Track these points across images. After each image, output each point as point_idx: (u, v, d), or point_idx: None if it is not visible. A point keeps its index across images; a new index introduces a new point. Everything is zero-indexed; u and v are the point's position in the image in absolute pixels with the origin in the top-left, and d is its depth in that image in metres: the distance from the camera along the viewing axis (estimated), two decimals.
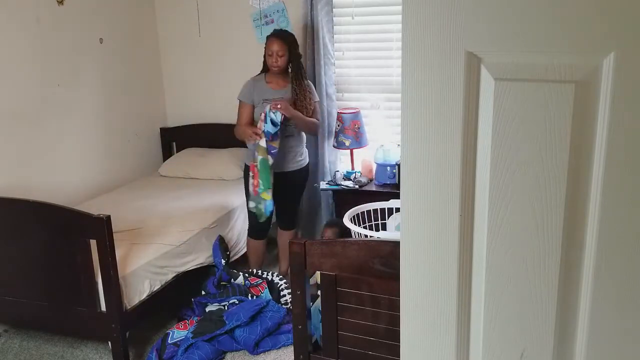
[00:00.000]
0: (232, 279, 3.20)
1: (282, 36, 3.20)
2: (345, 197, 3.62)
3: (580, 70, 0.79)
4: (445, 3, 0.83)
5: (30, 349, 2.96)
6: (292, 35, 3.25)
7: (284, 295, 3.14)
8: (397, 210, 2.66)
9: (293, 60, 3.20)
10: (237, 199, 3.64)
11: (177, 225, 3.20)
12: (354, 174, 3.73)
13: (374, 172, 3.74)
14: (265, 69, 3.30)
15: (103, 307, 2.63)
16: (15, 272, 2.78)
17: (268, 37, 3.22)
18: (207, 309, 3.06)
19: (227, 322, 2.82)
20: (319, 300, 2.21)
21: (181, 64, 4.35)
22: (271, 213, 3.15)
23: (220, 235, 3.35)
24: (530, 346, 0.92)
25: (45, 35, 3.38)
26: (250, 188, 3.10)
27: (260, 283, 3.22)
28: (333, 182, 3.74)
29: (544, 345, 0.91)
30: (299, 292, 2.14)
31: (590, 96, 0.79)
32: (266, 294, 3.16)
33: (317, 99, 3.34)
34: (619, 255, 0.82)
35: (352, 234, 2.53)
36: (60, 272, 2.67)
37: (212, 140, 4.27)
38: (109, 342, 2.73)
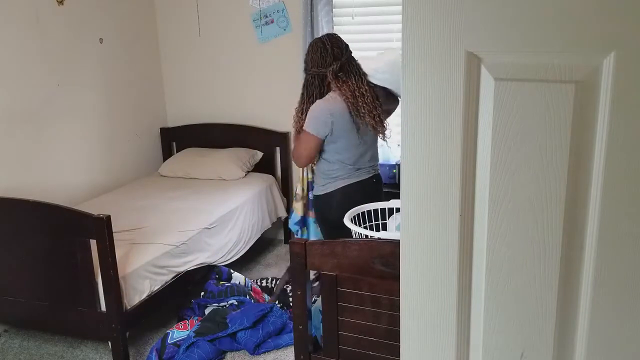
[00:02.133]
0: (231, 276, 3.25)
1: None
2: None
3: (580, 70, 0.79)
4: (445, 3, 0.83)
5: (30, 349, 2.96)
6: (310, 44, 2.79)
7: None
8: (398, 210, 2.66)
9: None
10: (237, 199, 3.64)
11: (177, 225, 3.20)
12: None
13: None
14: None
15: (103, 307, 2.64)
16: (15, 272, 2.78)
17: None
18: (207, 310, 3.06)
19: (229, 325, 2.82)
20: (319, 300, 2.21)
21: (181, 64, 4.35)
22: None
23: None
24: (530, 346, 0.92)
25: (45, 35, 3.38)
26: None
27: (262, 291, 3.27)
28: None
29: (544, 345, 0.91)
30: (299, 292, 2.14)
31: (590, 96, 0.79)
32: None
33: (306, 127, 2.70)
34: (619, 255, 0.82)
35: (353, 234, 2.53)
36: (60, 272, 2.67)
37: (212, 140, 4.27)
38: (109, 342, 2.73)
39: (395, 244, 1.86)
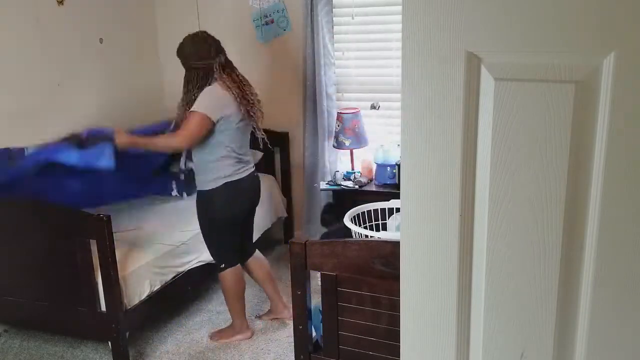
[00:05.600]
0: None
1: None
2: (345, 197, 3.62)
3: (580, 70, 0.79)
4: (445, 3, 0.83)
5: (30, 349, 2.96)
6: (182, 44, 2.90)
7: None
8: (397, 210, 2.66)
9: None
10: None
11: (177, 225, 3.20)
12: (353, 174, 3.73)
13: (374, 172, 3.74)
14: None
15: (103, 307, 2.63)
16: (15, 272, 2.78)
17: None
18: None
19: None
20: (319, 300, 2.21)
21: (181, 64, 4.34)
22: None
23: None
24: (530, 346, 0.92)
25: (45, 35, 3.38)
26: None
27: None
28: (333, 182, 3.74)
29: (544, 345, 0.91)
30: (299, 292, 2.14)
31: (590, 96, 0.79)
32: None
33: (197, 108, 2.68)
34: (619, 255, 0.82)
35: (353, 234, 2.53)
36: (60, 272, 2.67)
37: None
38: (109, 342, 2.73)
39: (395, 244, 1.86)
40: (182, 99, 2.86)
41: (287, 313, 3.11)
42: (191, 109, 2.69)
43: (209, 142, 2.73)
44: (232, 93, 2.72)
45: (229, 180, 2.77)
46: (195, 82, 2.78)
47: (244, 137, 2.85)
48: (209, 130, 2.70)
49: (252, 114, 2.82)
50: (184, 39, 2.91)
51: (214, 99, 2.71)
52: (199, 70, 2.77)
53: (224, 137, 2.74)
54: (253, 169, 2.94)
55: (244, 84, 2.82)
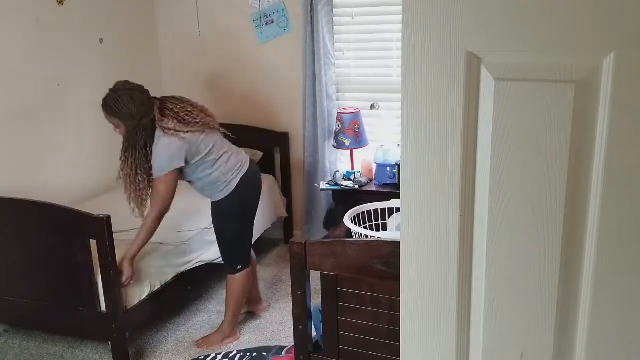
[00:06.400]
0: None
1: (103, 105, 2.65)
2: (345, 197, 3.62)
3: (580, 70, 0.79)
4: (445, 3, 0.83)
5: (30, 349, 2.96)
6: (114, 100, 2.65)
7: None
8: (398, 210, 2.67)
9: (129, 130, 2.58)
10: None
11: (177, 225, 3.20)
12: (353, 174, 3.73)
13: (374, 172, 3.74)
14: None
15: (103, 307, 2.63)
16: (16, 272, 2.78)
17: None
18: None
19: None
20: (319, 300, 2.21)
21: (181, 64, 4.35)
22: None
23: None
24: (530, 346, 0.92)
25: (45, 35, 3.38)
26: None
27: None
28: (333, 182, 3.74)
29: (544, 345, 0.91)
30: (299, 292, 2.14)
31: (590, 96, 0.79)
32: None
33: (160, 173, 2.59)
34: (619, 255, 0.82)
35: (353, 234, 2.53)
36: (60, 272, 2.67)
37: None
38: (109, 342, 2.73)
39: (395, 244, 1.86)
40: (125, 166, 2.66)
41: (262, 305, 3.27)
42: (153, 176, 2.61)
43: (196, 166, 2.68)
44: (179, 132, 2.57)
45: (238, 178, 2.78)
46: (142, 142, 2.60)
47: (215, 138, 2.76)
48: (178, 177, 2.64)
49: (212, 126, 2.73)
50: (116, 96, 2.66)
51: (167, 154, 2.58)
52: (146, 128, 2.58)
53: (206, 154, 2.68)
54: (248, 159, 2.91)
55: (183, 106, 2.67)
